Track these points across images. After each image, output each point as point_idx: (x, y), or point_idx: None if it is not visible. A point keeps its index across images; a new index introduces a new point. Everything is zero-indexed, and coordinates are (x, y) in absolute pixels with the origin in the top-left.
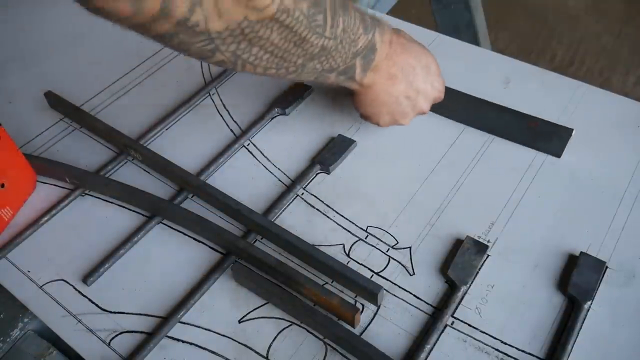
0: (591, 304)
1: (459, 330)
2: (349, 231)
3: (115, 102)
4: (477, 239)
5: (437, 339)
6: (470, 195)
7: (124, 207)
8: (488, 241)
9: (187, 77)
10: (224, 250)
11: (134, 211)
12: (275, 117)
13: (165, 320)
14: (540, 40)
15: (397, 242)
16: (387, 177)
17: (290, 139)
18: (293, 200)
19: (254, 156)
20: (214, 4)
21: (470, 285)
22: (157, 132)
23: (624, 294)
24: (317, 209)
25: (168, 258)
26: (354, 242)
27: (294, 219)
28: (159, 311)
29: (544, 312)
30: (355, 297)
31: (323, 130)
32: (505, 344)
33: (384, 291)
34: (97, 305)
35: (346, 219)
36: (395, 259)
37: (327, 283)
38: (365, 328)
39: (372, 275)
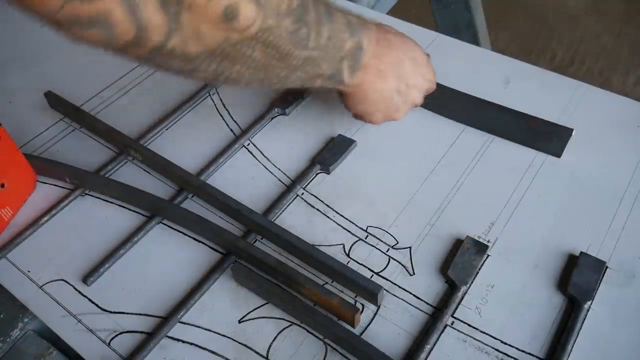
0: (591, 304)
1: (459, 330)
2: (349, 231)
3: (115, 102)
4: (477, 239)
5: (437, 339)
6: (470, 195)
7: (124, 207)
8: (488, 241)
9: None
10: (224, 250)
11: (134, 211)
12: (275, 117)
13: (165, 320)
14: (540, 40)
15: (397, 242)
16: (387, 177)
17: (290, 139)
18: (293, 200)
19: (254, 156)
20: (192, 29)
21: (470, 285)
22: (157, 132)
23: (624, 294)
24: (317, 209)
25: (168, 258)
26: (354, 242)
27: (294, 219)
28: (159, 311)
29: (544, 312)
30: (355, 297)
31: (323, 130)
32: (505, 344)
33: (384, 291)
34: (97, 305)
35: (346, 219)
36: (395, 259)
37: (327, 283)
38: (365, 328)
39: (372, 275)
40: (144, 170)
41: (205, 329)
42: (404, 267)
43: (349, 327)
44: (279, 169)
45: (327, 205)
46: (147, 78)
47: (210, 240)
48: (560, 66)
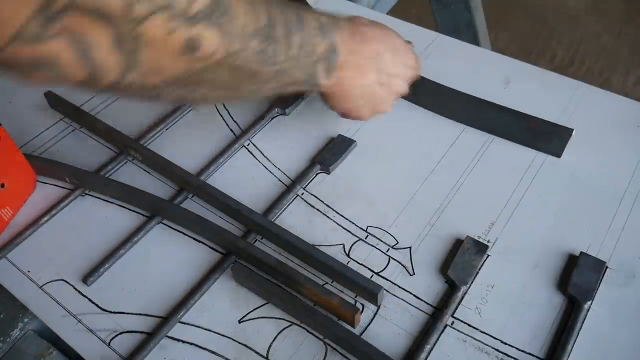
0: (591, 304)
1: (459, 330)
2: (349, 231)
3: (115, 102)
4: (477, 239)
5: (437, 339)
6: (470, 195)
7: (124, 207)
8: (488, 241)
9: None
10: (224, 250)
11: (134, 211)
12: (275, 117)
13: (165, 320)
14: (540, 40)
15: (397, 242)
16: (387, 177)
17: (290, 139)
18: (293, 200)
19: (254, 156)
20: (151, 64)
21: (470, 285)
22: (157, 132)
23: (624, 294)
24: (317, 209)
25: (168, 258)
26: (354, 242)
27: (294, 219)
28: (159, 311)
29: (544, 312)
30: (355, 297)
31: (323, 130)
32: (505, 344)
33: (384, 291)
34: (97, 305)
35: (346, 219)
36: (395, 259)
37: (327, 283)
38: (365, 328)
39: (372, 275)
40: (144, 170)
41: (205, 329)
42: (404, 267)
43: (349, 327)
44: (279, 169)
45: (327, 205)
46: None
47: (210, 240)
48: (560, 66)
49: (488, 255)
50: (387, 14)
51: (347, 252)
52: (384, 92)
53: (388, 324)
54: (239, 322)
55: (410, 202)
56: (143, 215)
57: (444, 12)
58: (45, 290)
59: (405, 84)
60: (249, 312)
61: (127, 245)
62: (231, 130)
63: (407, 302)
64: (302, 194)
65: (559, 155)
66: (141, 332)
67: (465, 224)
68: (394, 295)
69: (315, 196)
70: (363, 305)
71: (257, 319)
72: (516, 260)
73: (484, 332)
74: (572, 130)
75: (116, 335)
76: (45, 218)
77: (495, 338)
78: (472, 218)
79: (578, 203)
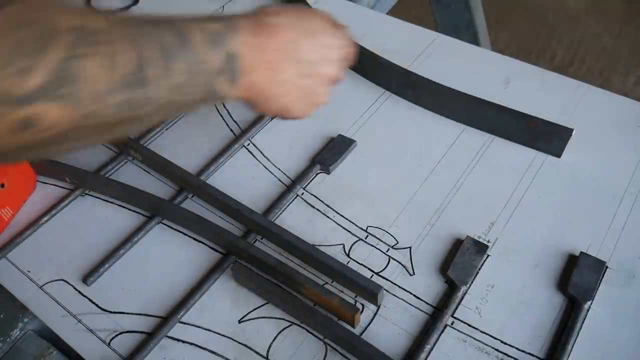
0: (591, 304)
1: (459, 330)
2: (349, 231)
3: None
4: (477, 239)
5: (437, 339)
6: (470, 195)
7: (124, 207)
8: (488, 241)
9: None
10: (224, 250)
11: (134, 211)
12: (275, 117)
13: (165, 320)
14: (540, 40)
15: (397, 242)
16: (387, 177)
17: (290, 139)
18: (293, 200)
19: (254, 156)
20: None
21: (470, 285)
22: (157, 132)
23: (624, 294)
24: (317, 209)
25: (168, 258)
26: (354, 242)
27: (294, 219)
28: (159, 311)
29: (544, 312)
30: (355, 297)
31: (323, 130)
32: (505, 344)
33: (384, 291)
34: (97, 305)
35: (346, 219)
36: (395, 259)
37: (327, 283)
38: (365, 328)
39: (372, 275)
40: (144, 170)
41: (205, 329)
42: (404, 267)
43: (349, 327)
44: (279, 169)
45: (327, 205)
46: None
47: (210, 240)
48: (560, 66)
49: (488, 255)
50: (387, 14)
51: (347, 252)
52: (311, 82)
53: (388, 324)
54: (239, 322)
55: (410, 202)
56: (143, 215)
57: (444, 12)
58: (45, 290)
59: (337, 67)
60: (249, 312)
61: (127, 245)
62: (231, 130)
63: (407, 302)
64: (302, 194)
65: (559, 155)
66: (141, 332)
67: (465, 224)
68: (394, 295)
69: (315, 196)
70: (363, 305)
71: (257, 319)
72: (516, 260)
73: (484, 332)
74: (572, 130)
75: (116, 335)
76: (45, 218)
77: (495, 338)
78: (472, 218)
79: (578, 203)
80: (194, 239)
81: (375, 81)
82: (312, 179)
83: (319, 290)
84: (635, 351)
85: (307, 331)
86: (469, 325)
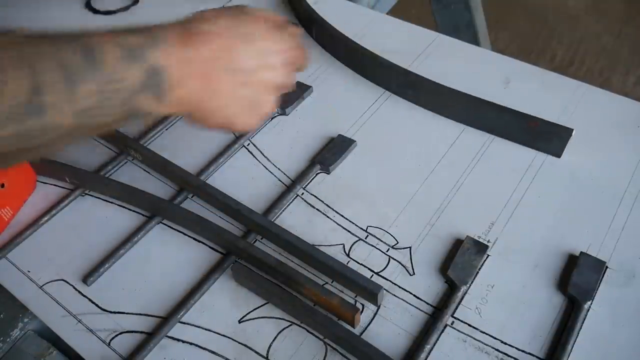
0: (591, 304)
1: (459, 330)
2: (349, 231)
3: None
4: (477, 239)
5: (437, 339)
6: (470, 195)
7: (124, 207)
8: (488, 241)
9: None
10: (224, 250)
11: (134, 211)
12: (275, 117)
13: (165, 320)
14: (540, 40)
15: (397, 242)
16: (387, 177)
17: (290, 139)
18: (293, 200)
19: (254, 156)
20: None
21: (470, 285)
22: (157, 132)
23: (624, 294)
24: (317, 209)
25: (168, 258)
26: (354, 242)
27: (294, 219)
28: (159, 311)
29: (544, 312)
30: (355, 297)
31: (323, 130)
32: (505, 344)
33: (384, 291)
34: (97, 305)
35: (346, 219)
36: (395, 259)
37: (327, 283)
38: (365, 328)
39: (372, 275)
40: (144, 170)
41: (205, 329)
42: (404, 267)
43: (349, 327)
44: (279, 169)
45: (327, 205)
46: None
47: (210, 240)
48: (560, 66)
49: (488, 255)
50: (387, 14)
51: (347, 252)
52: (252, 91)
53: (388, 324)
54: (239, 322)
55: (410, 202)
56: (143, 215)
57: (444, 12)
58: (45, 290)
59: (282, 73)
60: (249, 312)
61: (127, 245)
62: None
63: (407, 302)
64: (302, 194)
65: (559, 155)
66: (141, 332)
67: (465, 224)
68: (394, 295)
69: (315, 196)
70: (363, 305)
71: (257, 319)
72: (516, 260)
73: (484, 332)
74: (572, 130)
75: (116, 335)
76: (45, 218)
77: (495, 338)
78: (472, 218)
79: (578, 203)
80: (194, 239)
81: (375, 81)
82: (312, 179)
83: (319, 290)
84: (635, 351)
85: (307, 331)
86: (469, 325)
